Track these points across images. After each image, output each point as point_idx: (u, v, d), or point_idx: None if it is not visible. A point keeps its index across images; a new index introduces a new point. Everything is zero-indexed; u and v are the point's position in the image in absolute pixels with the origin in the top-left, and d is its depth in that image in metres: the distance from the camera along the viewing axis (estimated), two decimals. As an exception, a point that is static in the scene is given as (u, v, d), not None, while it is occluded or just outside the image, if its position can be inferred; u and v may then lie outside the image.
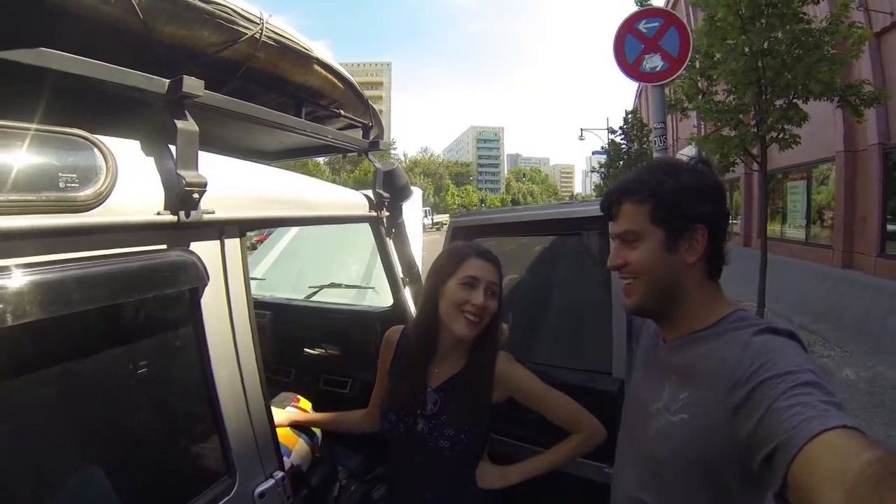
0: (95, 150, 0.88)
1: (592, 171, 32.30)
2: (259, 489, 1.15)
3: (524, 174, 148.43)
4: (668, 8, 13.88)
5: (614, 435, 1.53)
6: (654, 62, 3.95)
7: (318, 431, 1.73)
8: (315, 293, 2.70)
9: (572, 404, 1.45)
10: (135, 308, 0.99)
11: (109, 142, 0.92)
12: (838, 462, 0.62)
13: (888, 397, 4.58)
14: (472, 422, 1.40)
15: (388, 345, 1.60)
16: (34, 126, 0.81)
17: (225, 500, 1.06)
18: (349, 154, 2.19)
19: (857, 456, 0.60)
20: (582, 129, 28.70)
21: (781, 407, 0.74)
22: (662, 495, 0.99)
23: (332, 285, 2.71)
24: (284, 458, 1.33)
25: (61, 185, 0.82)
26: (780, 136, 6.50)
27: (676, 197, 0.99)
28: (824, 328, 6.87)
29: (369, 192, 1.90)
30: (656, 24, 3.93)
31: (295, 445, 1.58)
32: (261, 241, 3.45)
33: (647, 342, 1.23)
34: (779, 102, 6.36)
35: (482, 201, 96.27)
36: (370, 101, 1.93)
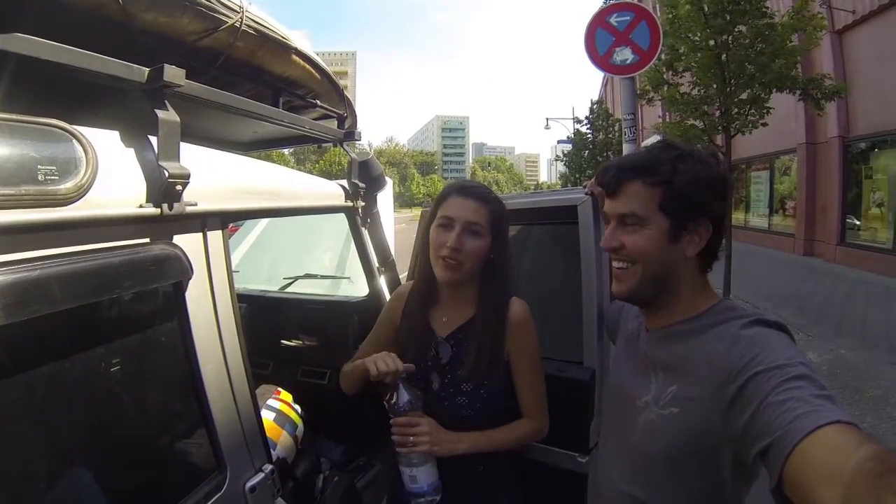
0: (75, 141, 0.85)
1: (557, 160, 32.59)
2: (250, 483, 1.14)
3: (489, 163, 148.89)
4: (635, 0, 14.08)
5: (585, 424, 1.57)
6: (624, 55, 4.01)
7: (300, 423, 1.72)
8: (290, 284, 2.67)
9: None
10: (119, 304, 0.97)
11: (88, 133, 0.89)
12: (834, 458, 0.61)
13: (850, 378, 4.80)
14: (489, 373, 1.33)
15: (398, 298, 1.53)
16: (10, 117, 0.77)
17: (217, 496, 1.05)
18: (324, 144, 2.17)
19: (853, 452, 0.60)
20: (547, 119, 28.95)
21: (774, 402, 0.74)
22: (652, 489, 0.99)
23: (307, 276, 2.69)
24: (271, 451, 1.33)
25: (40, 178, 0.79)
26: (744, 123, 6.72)
27: (690, 188, 0.96)
28: (787, 313, 7.12)
29: (344, 183, 1.88)
30: (627, 17, 3.99)
31: (279, 438, 1.57)
32: (231, 233, 3.38)
33: (627, 334, 1.22)
34: (743, 95, 6.55)
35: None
36: (345, 92, 1.92)
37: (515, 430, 1.38)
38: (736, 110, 6.51)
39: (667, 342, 1.03)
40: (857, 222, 11.05)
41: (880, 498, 0.53)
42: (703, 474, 0.91)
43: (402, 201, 70.13)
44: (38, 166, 0.79)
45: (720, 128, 6.87)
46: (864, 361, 5.19)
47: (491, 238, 1.35)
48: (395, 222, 3.80)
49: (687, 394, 0.93)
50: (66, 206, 0.82)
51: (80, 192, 0.84)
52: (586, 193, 1.66)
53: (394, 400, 1.30)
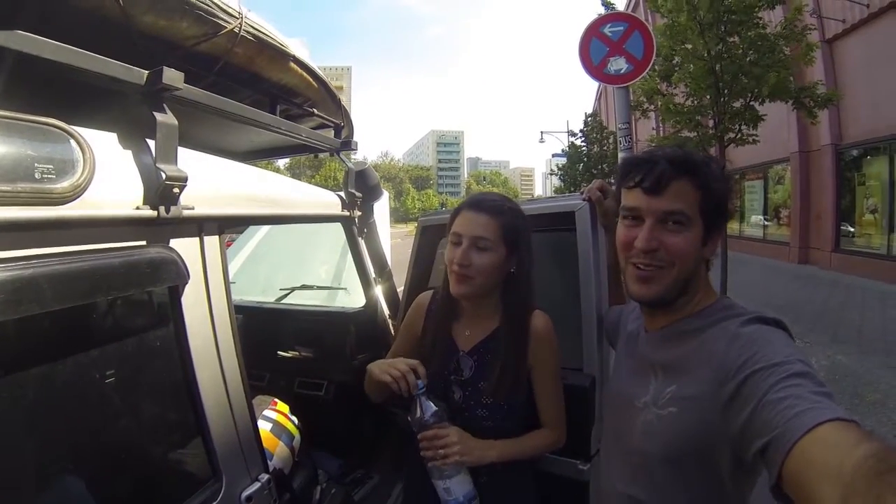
0: (72, 141, 0.85)
1: (552, 174, 32.72)
2: (246, 493, 1.11)
3: (484, 177, 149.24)
4: (629, 11, 14.27)
5: (586, 431, 1.55)
6: (618, 65, 4.04)
7: (296, 434, 1.70)
8: (286, 295, 2.64)
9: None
10: (114, 307, 0.95)
11: (86, 133, 0.88)
12: (833, 457, 0.60)
13: (847, 384, 4.82)
14: (512, 390, 1.33)
15: (418, 308, 1.54)
16: (8, 114, 0.77)
17: None
18: (320, 155, 2.17)
19: (852, 450, 0.59)
20: (542, 132, 29.02)
21: (773, 399, 0.73)
22: (653, 489, 0.98)
23: (304, 287, 2.67)
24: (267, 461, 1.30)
25: (37, 176, 0.78)
26: (738, 136, 6.79)
27: (722, 195, 0.98)
28: (784, 321, 7.13)
29: (341, 192, 1.88)
30: (621, 27, 4.03)
31: (276, 449, 1.55)
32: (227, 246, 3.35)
33: (626, 336, 1.22)
34: (736, 105, 6.63)
35: (443, 205, 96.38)
36: (342, 102, 1.92)
37: (538, 438, 1.39)
38: (728, 117, 6.59)
39: (666, 342, 1.03)
40: (852, 229, 11.17)
41: (880, 496, 0.53)
42: (702, 474, 0.91)
43: (398, 216, 70.10)
44: (36, 164, 0.78)
45: (714, 139, 6.94)
46: (862, 366, 5.23)
47: (506, 251, 1.33)
48: (391, 237, 3.78)
49: (685, 393, 0.93)
50: (62, 204, 0.81)
51: (76, 192, 0.83)
52: (584, 199, 1.65)
53: (418, 414, 1.29)
